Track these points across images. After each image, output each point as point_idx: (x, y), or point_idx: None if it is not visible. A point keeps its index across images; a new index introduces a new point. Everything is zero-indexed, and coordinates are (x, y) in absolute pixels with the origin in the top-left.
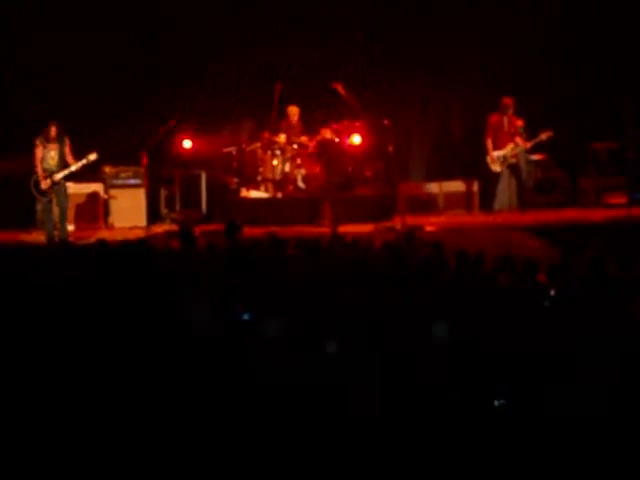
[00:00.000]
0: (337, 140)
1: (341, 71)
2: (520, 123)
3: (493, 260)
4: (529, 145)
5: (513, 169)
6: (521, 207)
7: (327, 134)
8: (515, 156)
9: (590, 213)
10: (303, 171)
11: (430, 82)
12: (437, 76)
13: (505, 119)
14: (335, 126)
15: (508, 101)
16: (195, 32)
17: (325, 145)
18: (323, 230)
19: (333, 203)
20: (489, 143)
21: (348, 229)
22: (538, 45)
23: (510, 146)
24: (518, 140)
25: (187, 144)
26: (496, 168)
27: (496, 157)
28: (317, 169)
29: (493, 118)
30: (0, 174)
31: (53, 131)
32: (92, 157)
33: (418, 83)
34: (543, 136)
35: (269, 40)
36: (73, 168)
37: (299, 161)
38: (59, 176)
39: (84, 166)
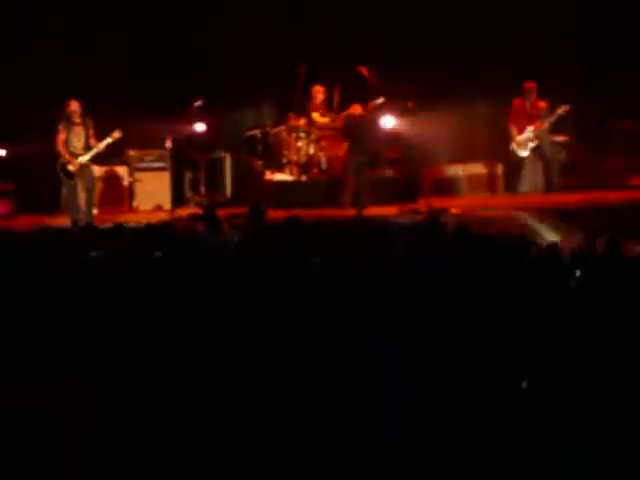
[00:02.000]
0: (366, 116)
1: (365, 53)
2: (543, 105)
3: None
4: (547, 124)
5: (537, 151)
6: (548, 189)
7: (357, 110)
8: (538, 138)
9: (614, 194)
10: (327, 153)
11: (454, 64)
12: (461, 58)
13: (527, 103)
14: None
15: (530, 85)
16: (218, 12)
17: (353, 121)
18: (348, 212)
19: (359, 182)
20: (512, 129)
21: (372, 211)
22: (561, 27)
23: (530, 128)
24: (538, 124)
25: (200, 127)
26: (522, 153)
27: (521, 141)
28: (341, 151)
29: (516, 103)
30: (25, 159)
31: (75, 109)
32: (116, 135)
33: (442, 65)
34: (560, 111)
35: (294, 21)
36: (99, 147)
37: (323, 143)
38: (86, 158)
39: (109, 145)
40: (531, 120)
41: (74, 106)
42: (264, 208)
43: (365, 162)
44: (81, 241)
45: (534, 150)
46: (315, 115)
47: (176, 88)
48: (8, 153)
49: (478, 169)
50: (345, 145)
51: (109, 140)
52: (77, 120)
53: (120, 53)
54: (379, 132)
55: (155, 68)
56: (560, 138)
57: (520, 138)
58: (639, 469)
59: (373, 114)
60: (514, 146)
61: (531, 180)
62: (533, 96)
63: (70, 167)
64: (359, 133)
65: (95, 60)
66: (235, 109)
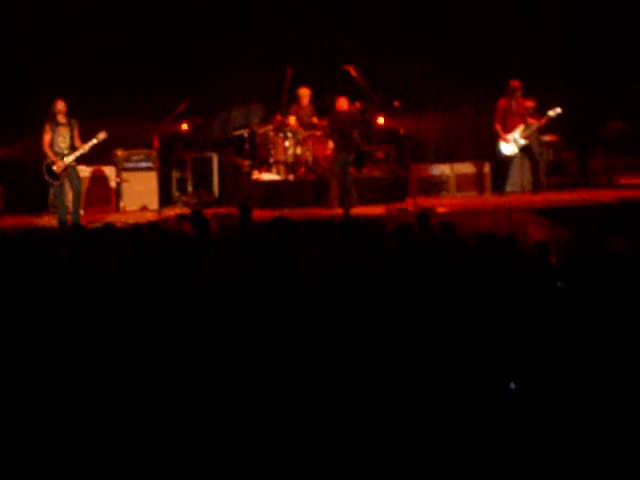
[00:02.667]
0: (351, 113)
1: (352, 53)
2: (531, 104)
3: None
4: (538, 124)
5: (526, 151)
6: (534, 189)
7: (344, 103)
8: (527, 137)
9: (601, 194)
10: (314, 153)
11: (441, 63)
12: (448, 57)
13: (514, 102)
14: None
15: (515, 83)
16: (206, 14)
17: (338, 117)
18: (335, 212)
19: (345, 182)
20: (498, 128)
21: (359, 211)
22: (547, 26)
23: (520, 127)
24: (529, 120)
25: (182, 126)
26: (509, 151)
27: (508, 140)
28: (328, 150)
29: (501, 102)
30: (11, 159)
31: (61, 109)
32: (102, 136)
33: (429, 64)
34: (551, 113)
35: (280, 22)
36: (85, 149)
37: (310, 143)
38: (71, 158)
39: (94, 146)
40: (520, 119)
41: (60, 106)
42: (250, 207)
43: (350, 160)
44: (69, 242)
45: (522, 150)
46: (291, 119)
47: (163, 88)
48: None
49: (466, 168)
50: (331, 144)
51: (94, 141)
52: (62, 120)
53: (108, 53)
54: (364, 130)
55: (143, 68)
56: (548, 138)
57: (508, 137)
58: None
59: (358, 111)
60: (500, 145)
61: (518, 180)
62: (518, 94)
63: (55, 168)
64: (344, 129)
65: (82, 60)
66: (222, 109)
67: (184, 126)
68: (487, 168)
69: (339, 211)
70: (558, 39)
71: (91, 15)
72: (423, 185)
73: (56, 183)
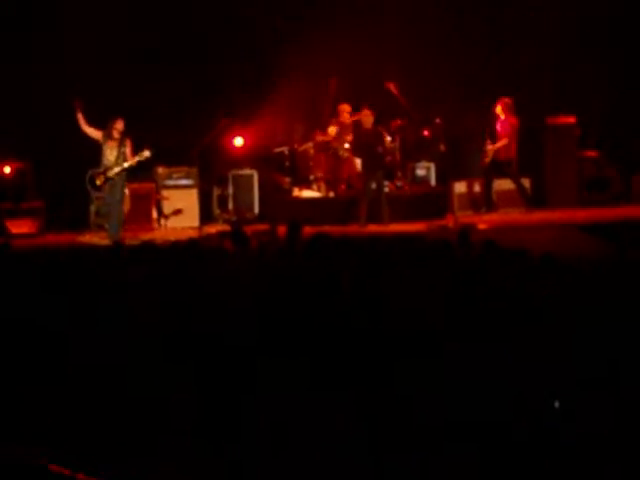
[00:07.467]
0: (373, 130)
1: (393, 69)
2: (514, 122)
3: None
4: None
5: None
6: (486, 208)
7: (367, 116)
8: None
9: None
10: (354, 169)
11: (480, 80)
12: (486, 74)
13: (499, 121)
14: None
15: (506, 100)
16: (248, 30)
17: (360, 139)
18: (375, 229)
19: (380, 197)
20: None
21: (400, 227)
22: (588, 44)
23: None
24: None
25: (239, 141)
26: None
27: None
28: (358, 168)
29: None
30: (54, 176)
31: (119, 127)
32: (146, 154)
33: (469, 81)
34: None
35: (322, 37)
36: (127, 164)
37: (350, 160)
38: (113, 172)
39: (138, 163)
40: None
41: (119, 125)
42: (300, 225)
43: (379, 176)
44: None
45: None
46: (331, 129)
47: (204, 105)
48: (36, 170)
49: (506, 184)
50: (359, 163)
51: (137, 158)
52: (116, 136)
53: (151, 68)
54: (388, 144)
55: (185, 85)
56: (590, 154)
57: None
58: None
59: (378, 128)
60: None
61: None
62: (507, 112)
63: (97, 180)
64: (368, 147)
65: (126, 76)
66: (262, 125)
67: (238, 141)
68: (527, 184)
69: (373, 228)
70: (599, 56)
71: (135, 30)
72: (463, 201)
73: (98, 194)
